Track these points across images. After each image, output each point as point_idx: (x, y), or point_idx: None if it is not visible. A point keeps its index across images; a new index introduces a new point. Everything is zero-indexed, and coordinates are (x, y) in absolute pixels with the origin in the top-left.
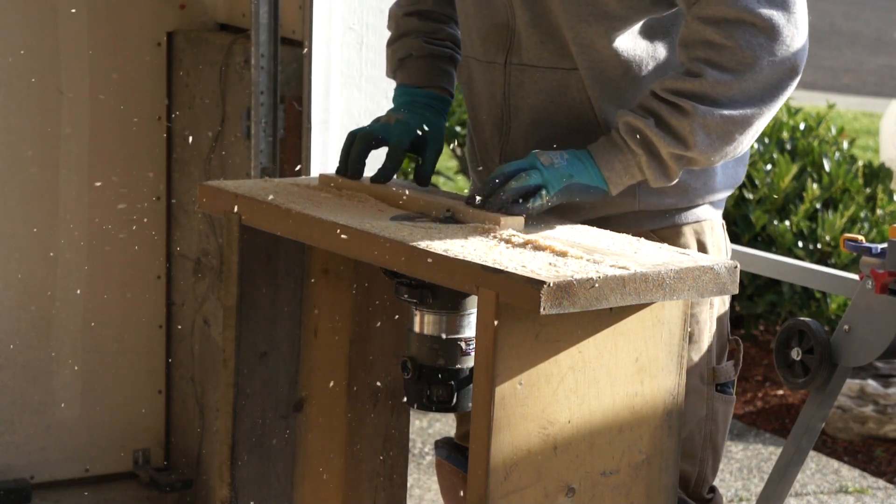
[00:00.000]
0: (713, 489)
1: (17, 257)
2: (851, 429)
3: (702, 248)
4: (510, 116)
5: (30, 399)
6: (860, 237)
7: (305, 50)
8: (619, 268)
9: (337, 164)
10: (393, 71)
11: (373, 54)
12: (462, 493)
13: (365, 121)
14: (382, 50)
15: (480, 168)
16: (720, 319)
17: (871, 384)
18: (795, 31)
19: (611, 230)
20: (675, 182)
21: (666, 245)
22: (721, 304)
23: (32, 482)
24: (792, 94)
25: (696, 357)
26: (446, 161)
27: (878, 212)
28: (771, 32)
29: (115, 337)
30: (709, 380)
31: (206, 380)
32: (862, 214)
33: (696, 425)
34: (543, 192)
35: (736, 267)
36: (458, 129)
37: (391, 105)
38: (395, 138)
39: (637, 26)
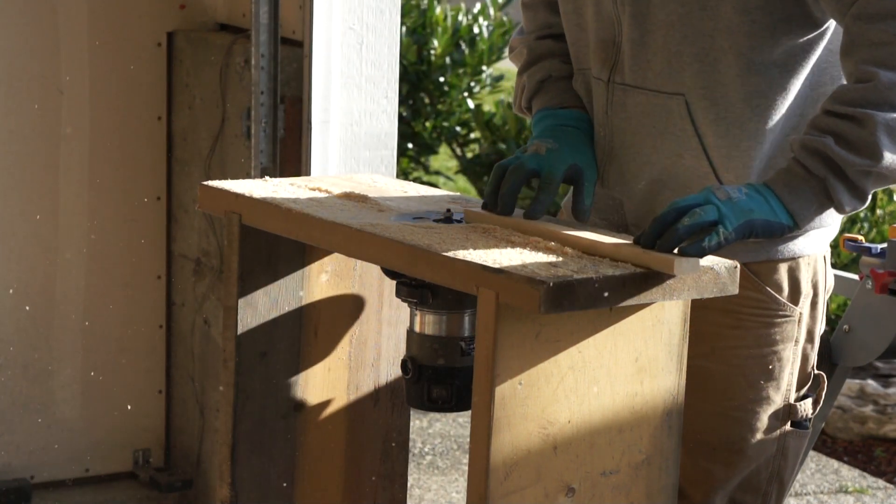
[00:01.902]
0: None
1: (17, 257)
2: (851, 429)
3: (794, 284)
4: (612, 136)
5: (30, 399)
6: (860, 237)
7: (305, 50)
8: (619, 267)
9: (484, 199)
10: (530, 97)
11: (373, 54)
12: None
13: (365, 121)
14: (382, 50)
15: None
16: (805, 354)
17: (871, 384)
18: None
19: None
20: (867, 204)
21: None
22: (807, 339)
23: (32, 482)
24: None
25: (774, 395)
26: (447, 161)
27: (878, 212)
28: None
29: (115, 337)
30: (784, 417)
31: (206, 380)
32: (862, 214)
33: (764, 461)
34: (721, 229)
35: (736, 267)
36: (458, 129)
37: (391, 105)
38: (547, 170)
39: (772, 50)
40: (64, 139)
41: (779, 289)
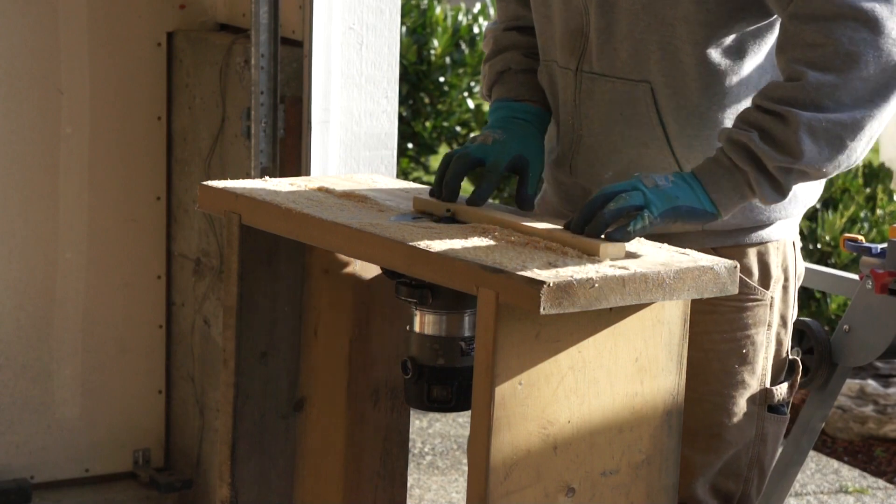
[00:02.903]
0: None
1: (17, 257)
2: (851, 429)
3: (764, 269)
4: (581, 124)
5: (30, 399)
6: (860, 237)
7: (305, 50)
8: (619, 268)
9: (431, 186)
10: (489, 86)
11: (373, 54)
12: None
13: (365, 121)
14: (382, 50)
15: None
16: (779, 339)
17: (871, 384)
18: None
19: (673, 241)
20: (787, 198)
21: (666, 245)
22: (780, 324)
23: (32, 482)
24: None
25: (749, 379)
26: None
27: (878, 212)
28: (874, 26)
29: (115, 337)
30: (761, 401)
31: (206, 380)
32: (862, 214)
33: (743, 446)
34: (646, 214)
35: (736, 267)
36: (458, 128)
37: (391, 105)
38: (491, 159)
39: (725, 39)
40: (64, 139)
41: (749, 273)
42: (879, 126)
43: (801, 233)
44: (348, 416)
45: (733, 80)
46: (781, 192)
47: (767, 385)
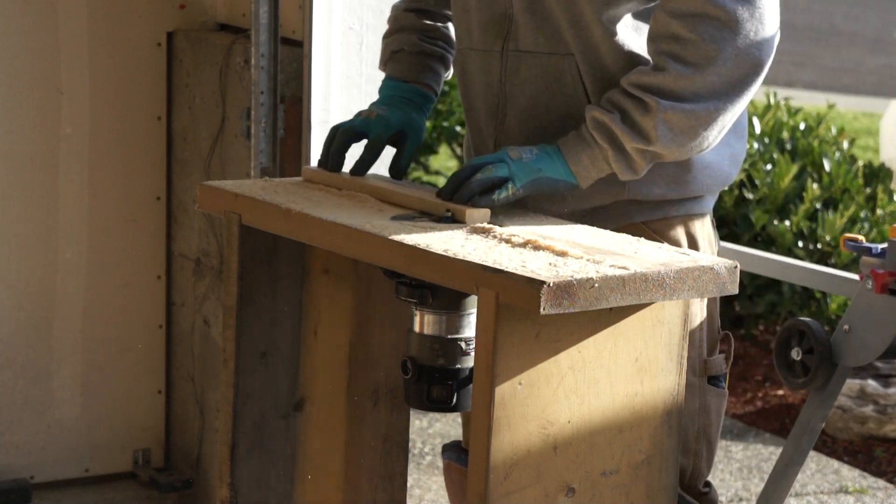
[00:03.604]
0: (708, 483)
1: (17, 257)
2: (851, 429)
3: (692, 241)
4: (506, 103)
5: (30, 399)
6: (860, 237)
7: (305, 50)
8: (619, 268)
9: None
10: (384, 63)
11: (373, 54)
12: None
13: None
14: None
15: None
16: (710, 313)
17: (871, 384)
18: (760, 26)
19: (601, 221)
20: (641, 175)
21: (666, 245)
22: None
23: (32, 482)
24: (792, 93)
25: (688, 350)
26: (446, 161)
27: (878, 212)
28: (734, 26)
29: (115, 337)
30: (701, 372)
31: (206, 380)
32: (862, 214)
33: (689, 418)
34: (510, 185)
35: (736, 267)
36: (458, 128)
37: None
38: (374, 132)
39: (624, 16)
40: (64, 139)
41: (678, 245)
42: (732, 117)
43: (801, 233)
44: (348, 416)
45: (636, 53)
46: (636, 171)
47: (705, 356)
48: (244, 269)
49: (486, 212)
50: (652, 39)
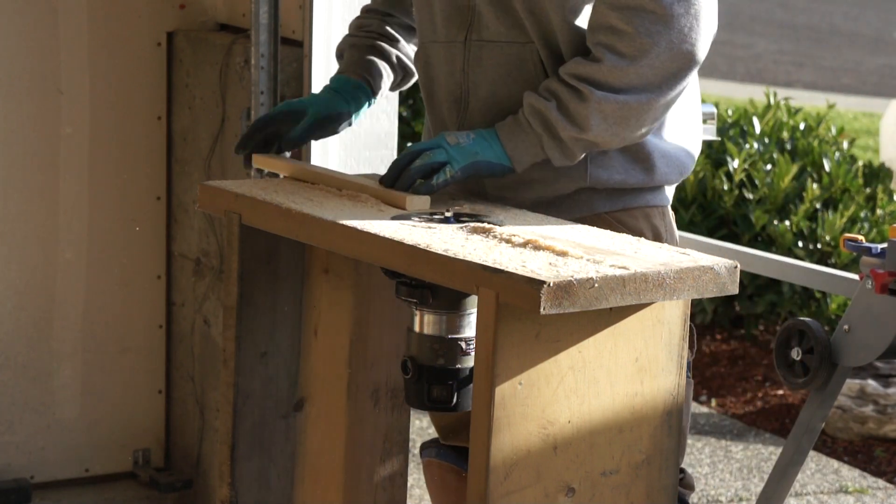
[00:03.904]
0: (682, 470)
1: (17, 257)
2: (851, 429)
3: (655, 232)
4: (468, 93)
5: (30, 399)
6: (860, 237)
7: (305, 50)
8: (619, 268)
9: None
10: (339, 57)
11: None
12: (457, 488)
13: (365, 120)
14: None
15: None
16: None
17: (871, 384)
18: (695, 21)
19: (564, 211)
20: (575, 162)
21: (666, 245)
22: None
23: (32, 482)
24: (792, 93)
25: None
26: None
27: (878, 212)
28: (669, 21)
29: (115, 337)
30: None
31: (206, 380)
32: (862, 214)
33: None
34: (448, 168)
35: (736, 267)
36: None
37: (391, 105)
38: (273, 113)
39: (578, 6)
40: (64, 139)
41: (641, 235)
42: (665, 109)
43: (801, 233)
44: (348, 416)
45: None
46: (570, 158)
47: None
48: (244, 269)
49: (426, 199)
50: (591, 30)
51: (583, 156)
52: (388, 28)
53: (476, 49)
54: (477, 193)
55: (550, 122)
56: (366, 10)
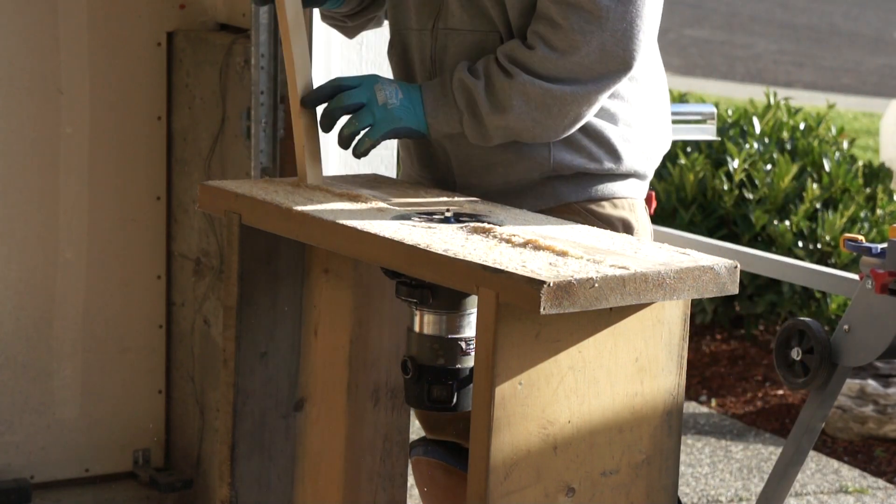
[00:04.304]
0: None
1: (17, 257)
2: (851, 429)
3: (626, 223)
4: (437, 77)
5: (30, 399)
6: (860, 237)
7: None
8: (619, 268)
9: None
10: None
11: (373, 54)
12: (446, 484)
13: None
14: (382, 50)
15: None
16: None
17: (871, 384)
18: (629, 26)
19: (530, 200)
20: (491, 144)
21: (666, 245)
22: None
23: (32, 482)
24: (792, 93)
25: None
26: None
27: (878, 212)
28: (603, 22)
29: (115, 337)
30: None
31: (206, 380)
32: (862, 214)
33: None
34: (368, 138)
35: (736, 267)
36: None
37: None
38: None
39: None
40: (64, 139)
41: (613, 227)
42: (587, 105)
43: (802, 233)
44: (348, 416)
45: None
46: (486, 140)
47: None
48: (244, 269)
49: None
50: (534, 18)
51: (499, 141)
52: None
53: (443, 37)
54: (444, 182)
55: (474, 101)
56: None
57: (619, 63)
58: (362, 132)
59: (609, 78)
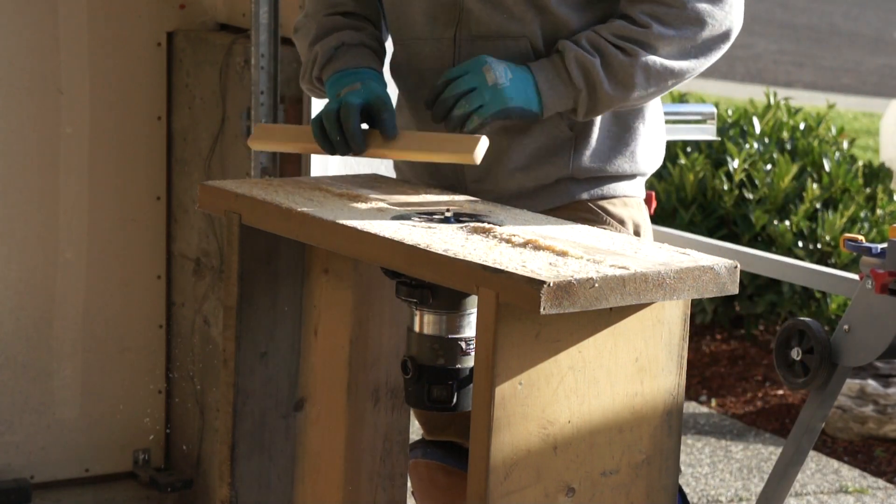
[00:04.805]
0: None
1: (17, 257)
2: (851, 429)
3: (635, 223)
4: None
5: (30, 399)
6: (860, 237)
7: None
8: (619, 268)
9: (330, 146)
10: (323, 64)
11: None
12: (446, 485)
13: None
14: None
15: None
16: None
17: (871, 384)
18: (735, 0)
19: (544, 200)
20: (590, 118)
21: (666, 245)
22: None
23: (32, 482)
24: (792, 93)
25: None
26: None
27: (878, 212)
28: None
29: (115, 337)
30: None
31: (206, 380)
32: (862, 214)
33: None
34: (476, 117)
35: (736, 267)
36: None
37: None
38: (374, 96)
39: None
40: (64, 139)
41: (622, 223)
42: (693, 76)
43: (802, 233)
44: (348, 416)
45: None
46: (594, 115)
47: None
48: (244, 269)
49: (486, 140)
50: (631, 3)
51: (603, 113)
52: (377, 33)
53: (467, 45)
54: (455, 186)
55: (593, 78)
56: (345, 12)
57: (725, 36)
58: (473, 114)
59: (717, 50)
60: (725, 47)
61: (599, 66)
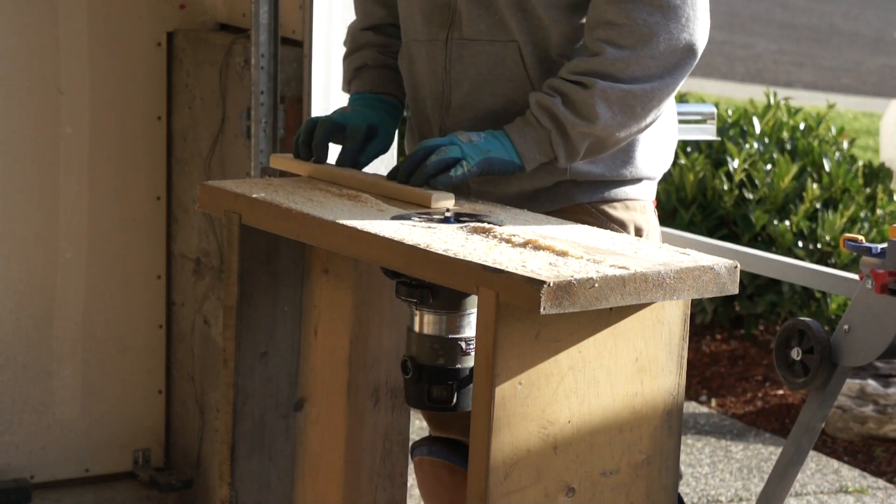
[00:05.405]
0: None
1: (17, 257)
2: (851, 429)
3: (637, 226)
4: (451, 89)
5: (30, 399)
6: (860, 237)
7: (305, 50)
8: (619, 268)
9: (295, 150)
10: (348, 82)
11: None
12: (450, 483)
13: None
14: None
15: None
16: None
17: (871, 384)
18: (692, 12)
19: (544, 203)
20: (577, 161)
21: (666, 245)
22: None
23: (32, 482)
24: (792, 93)
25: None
26: None
27: (878, 212)
28: (667, 11)
29: (115, 337)
30: None
31: (206, 380)
32: (862, 214)
33: None
34: (464, 163)
35: (736, 267)
36: None
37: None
38: (352, 124)
39: (570, 1)
40: (64, 139)
41: (625, 228)
42: (665, 99)
43: (802, 233)
44: (348, 416)
45: (580, 38)
46: (574, 155)
47: None
48: (244, 269)
49: (451, 196)
50: (589, 28)
51: (588, 157)
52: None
53: (457, 48)
54: (459, 189)
55: (558, 117)
56: (375, 26)
57: (687, 50)
58: (453, 169)
59: (681, 67)
60: (691, 62)
61: (560, 104)
